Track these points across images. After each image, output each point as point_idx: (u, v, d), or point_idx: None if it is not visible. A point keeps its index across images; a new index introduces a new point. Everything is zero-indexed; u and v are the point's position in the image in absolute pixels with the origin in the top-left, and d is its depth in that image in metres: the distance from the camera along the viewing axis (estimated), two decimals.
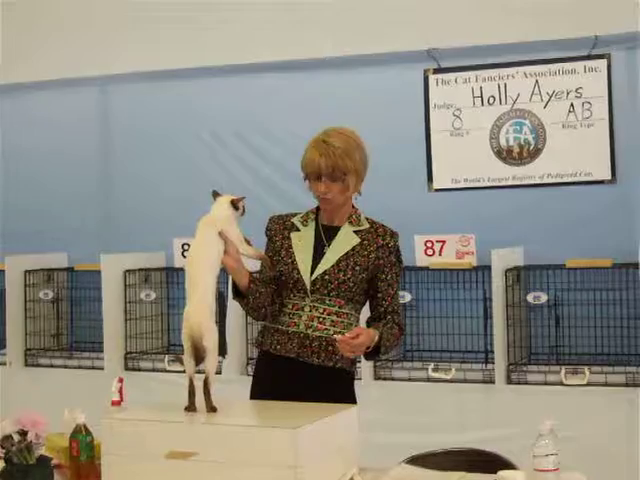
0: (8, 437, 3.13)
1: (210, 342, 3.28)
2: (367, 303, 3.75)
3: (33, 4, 6.76)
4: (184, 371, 3.32)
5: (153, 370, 6.12)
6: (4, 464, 3.14)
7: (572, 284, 5.49)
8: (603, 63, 5.58)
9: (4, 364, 6.46)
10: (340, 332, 3.59)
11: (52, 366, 6.43)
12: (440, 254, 5.67)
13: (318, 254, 3.65)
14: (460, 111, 5.90)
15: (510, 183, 5.80)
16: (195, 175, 6.39)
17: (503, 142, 5.82)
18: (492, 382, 5.37)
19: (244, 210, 3.57)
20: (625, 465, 4.94)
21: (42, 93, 6.85)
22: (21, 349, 6.49)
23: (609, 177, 5.59)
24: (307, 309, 3.62)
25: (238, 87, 6.34)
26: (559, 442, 2.95)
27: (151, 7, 6.40)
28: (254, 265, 3.76)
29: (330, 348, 3.59)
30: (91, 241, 6.59)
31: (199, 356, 3.27)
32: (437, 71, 5.92)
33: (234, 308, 5.55)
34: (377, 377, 5.58)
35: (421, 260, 5.70)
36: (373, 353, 3.63)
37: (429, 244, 5.69)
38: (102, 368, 6.14)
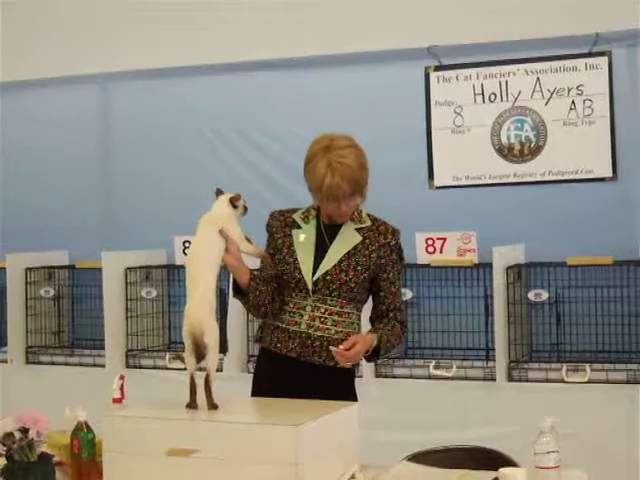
0: (9, 435, 3.13)
1: (211, 339, 3.29)
2: (369, 300, 3.75)
3: (33, 2, 6.76)
4: (185, 368, 3.32)
5: (154, 367, 6.12)
6: (5, 462, 3.14)
7: (573, 281, 5.49)
8: (604, 60, 5.58)
9: (5, 362, 6.46)
10: (342, 331, 3.60)
11: (53, 363, 6.44)
12: (441, 251, 5.67)
13: (319, 253, 3.64)
14: (461, 108, 5.89)
15: (511, 180, 5.80)
16: (196, 172, 6.40)
17: (504, 139, 5.82)
18: (493, 379, 5.37)
19: (246, 209, 3.57)
20: (626, 462, 4.94)
21: (42, 91, 6.85)
22: (22, 347, 6.49)
23: (610, 174, 5.59)
24: (309, 309, 3.62)
25: (238, 85, 6.34)
26: (560, 439, 2.95)
27: (151, 5, 6.40)
28: (254, 263, 3.76)
29: (332, 347, 3.58)
30: (92, 239, 6.59)
31: (200, 353, 3.28)
32: (438, 68, 5.92)
33: (235, 306, 5.55)
34: (378, 374, 5.58)
35: (422, 258, 5.70)
36: (373, 355, 3.63)
37: (430, 241, 5.69)
38: (103, 365, 6.14)
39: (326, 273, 3.60)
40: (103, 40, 6.55)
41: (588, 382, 5.20)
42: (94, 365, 6.27)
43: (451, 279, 5.76)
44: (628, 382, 5.15)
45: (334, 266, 3.60)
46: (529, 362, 5.47)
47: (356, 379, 3.75)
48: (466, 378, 5.46)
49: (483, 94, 5.85)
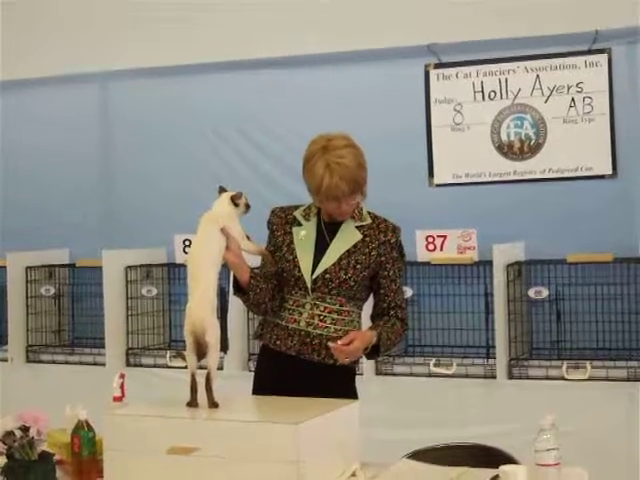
0: (10, 433, 3.14)
1: (212, 338, 3.29)
2: (370, 298, 3.75)
3: (33, 1, 6.76)
4: (186, 367, 3.32)
5: (155, 366, 6.12)
6: (6, 460, 3.14)
7: (573, 279, 5.49)
8: (604, 58, 5.58)
9: (6, 360, 6.46)
10: (341, 330, 3.60)
11: (54, 362, 6.44)
12: (441, 249, 5.68)
13: (319, 251, 3.64)
14: (461, 106, 5.90)
15: (511, 178, 5.80)
16: (196, 171, 6.40)
17: (504, 137, 5.82)
18: (493, 377, 5.37)
19: (248, 207, 3.57)
20: (626, 460, 4.94)
21: (43, 89, 6.85)
22: (23, 345, 6.49)
23: (610, 172, 5.59)
24: (308, 307, 3.62)
25: (239, 83, 6.34)
26: (560, 437, 2.96)
27: (151, 4, 6.40)
28: (255, 261, 3.76)
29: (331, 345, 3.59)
30: (92, 237, 6.60)
31: (201, 352, 3.28)
32: (438, 66, 5.92)
33: (235, 304, 5.55)
34: (378, 372, 5.59)
35: (422, 255, 5.70)
36: (373, 353, 3.63)
37: (430, 239, 5.69)
38: (104, 364, 6.15)
39: (325, 271, 3.60)
40: (103, 39, 6.55)
41: (588, 379, 5.20)
42: (94, 364, 6.27)
43: (451, 277, 5.77)
44: (628, 379, 5.16)
45: (333, 264, 3.61)
46: (529, 360, 5.47)
47: (356, 377, 3.75)
48: (466, 376, 5.46)
49: (483, 92, 5.86)
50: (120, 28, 6.53)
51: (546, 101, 5.73)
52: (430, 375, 5.52)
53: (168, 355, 6.06)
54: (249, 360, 5.82)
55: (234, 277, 3.64)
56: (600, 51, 5.58)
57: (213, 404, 3.20)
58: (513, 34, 5.66)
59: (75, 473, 3.32)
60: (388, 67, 5.97)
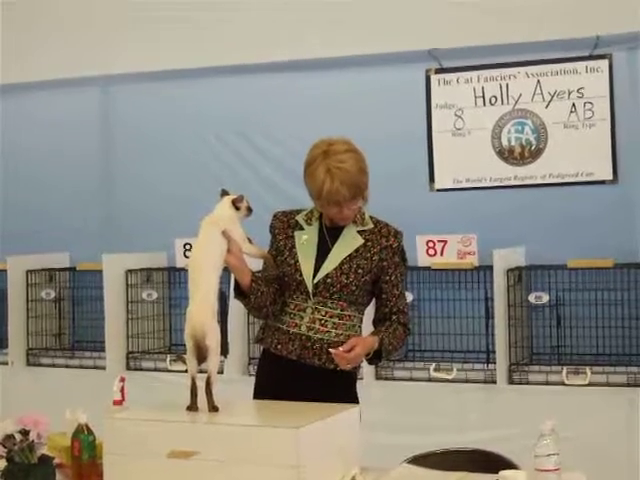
0: (10, 436, 3.14)
1: (213, 341, 3.29)
2: (372, 302, 3.75)
3: (33, 3, 6.76)
4: (186, 370, 3.32)
5: (155, 370, 6.12)
6: (6, 463, 3.15)
7: (574, 284, 5.49)
8: (605, 63, 5.59)
9: (6, 364, 6.46)
10: (342, 334, 3.60)
11: (54, 366, 6.43)
12: (442, 254, 5.68)
13: (321, 255, 3.64)
14: (462, 111, 5.90)
15: (512, 183, 5.81)
16: (197, 175, 6.40)
17: (505, 142, 5.82)
18: (494, 382, 5.37)
19: (250, 210, 3.57)
20: (626, 465, 4.94)
21: (43, 93, 6.85)
22: (23, 349, 6.49)
23: (611, 177, 5.60)
24: (309, 311, 3.62)
25: (240, 87, 6.34)
26: (560, 442, 2.96)
27: (152, 7, 6.41)
28: (257, 264, 3.76)
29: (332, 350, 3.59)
30: (93, 241, 6.59)
31: (201, 356, 3.28)
32: (439, 71, 5.92)
33: (236, 308, 5.56)
34: (378, 377, 5.59)
35: (423, 260, 5.70)
36: (375, 358, 3.63)
37: (431, 244, 5.69)
38: (104, 368, 6.15)
39: (327, 276, 3.60)
40: (104, 42, 6.56)
41: (588, 385, 5.20)
42: (95, 367, 6.27)
43: (452, 282, 5.76)
44: (628, 385, 5.16)
45: (335, 269, 3.60)
46: (529, 365, 5.47)
47: (357, 381, 3.75)
48: (466, 381, 5.46)
49: (484, 97, 5.86)
50: (121, 31, 6.54)
51: (547, 106, 5.73)
52: (430, 380, 5.52)
53: (168, 359, 6.05)
54: (249, 364, 5.82)
55: (235, 280, 3.64)
56: (601, 57, 5.58)
57: (213, 408, 3.21)
58: (514, 39, 5.66)
59: (75, 477, 3.31)
60: (389, 72, 5.97)
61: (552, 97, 5.72)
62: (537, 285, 5.57)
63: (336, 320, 3.61)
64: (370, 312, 3.77)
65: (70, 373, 6.33)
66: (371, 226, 3.68)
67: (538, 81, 5.74)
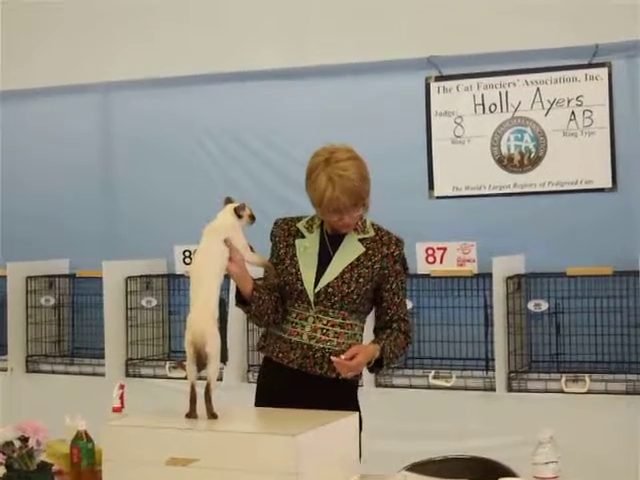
0: (9, 443, 3.14)
1: (213, 349, 3.29)
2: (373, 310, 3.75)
3: (32, 11, 6.77)
4: (185, 377, 3.32)
5: (154, 377, 6.12)
6: (5, 470, 3.15)
7: (573, 292, 5.49)
8: (604, 71, 5.59)
9: (5, 370, 6.46)
10: (344, 343, 3.59)
11: (53, 372, 6.44)
12: (441, 262, 5.68)
13: (322, 264, 3.63)
14: (461, 119, 5.91)
15: (511, 191, 5.81)
16: (196, 182, 6.41)
17: (504, 150, 5.83)
18: (493, 390, 5.37)
19: (253, 218, 3.57)
20: (624, 473, 4.93)
21: (43, 100, 6.86)
22: (22, 355, 6.49)
23: (610, 185, 5.60)
24: (310, 320, 3.61)
25: (239, 95, 6.35)
26: (559, 450, 2.96)
27: (153, 15, 6.43)
28: (259, 272, 3.76)
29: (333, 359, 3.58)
30: (93, 248, 6.59)
31: (201, 363, 3.28)
32: (438, 79, 5.93)
33: (235, 315, 5.56)
34: (378, 384, 5.58)
35: (422, 267, 5.70)
36: (376, 366, 3.63)
37: (430, 251, 5.70)
38: (103, 374, 6.14)
39: (328, 285, 3.59)
40: (104, 49, 6.57)
41: (587, 392, 5.20)
42: (94, 374, 6.27)
43: (451, 289, 5.77)
44: (627, 393, 5.16)
45: (336, 278, 3.60)
46: (529, 372, 5.47)
47: (358, 390, 3.74)
48: (466, 388, 5.47)
49: (483, 104, 5.87)
50: (120, 38, 6.55)
51: (546, 114, 5.74)
52: (429, 387, 5.52)
53: (167, 366, 6.06)
54: (248, 371, 5.82)
55: (237, 288, 3.63)
56: (600, 65, 5.59)
57: (212, 415, 3.21)
58: (514, 47, 5.67)
59: None
60: (389, 79, 5.97)
61: (551, 105, 5.73)
62: (536, 293, 5.57)
63: (338, 329, 3.60)
64: (370, 320, 3.76)
65: (69, 380, 6.33)
66: (372, 234, 3.67)
67: (537, 89, 5.75)
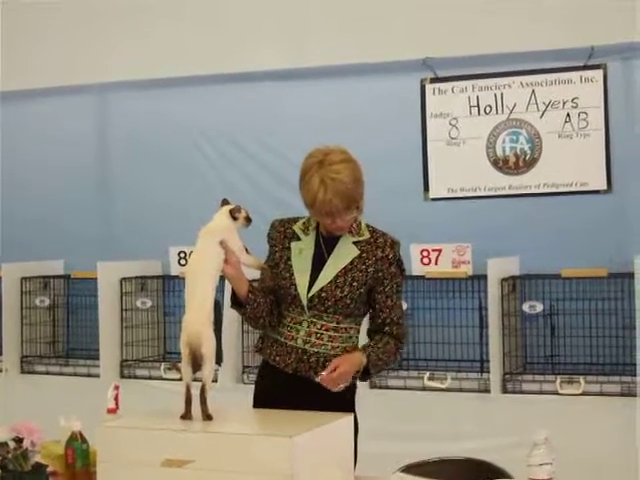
0: (4, 444, 3.14)
1: (208, 350, 3.30)
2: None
3: (29, 12, 6.76)
4: (180, 379, 3.33)
5: (149, 378, 6.12)
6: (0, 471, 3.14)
7: (567, 294, 5.49)
8: (599, 73, 5.60)
9: (0, 371, 6.45)
10: (338, 347, 3.59)
11: (48, 373, 6.43)
12: (436, 263, 5.68)
13: (317, 267, 3.61)
14: (456, 120, 5.91)
15: (506, 193, 5.81)
16: (192, 183, 6.41)
17: (499, 152, 5.83)
18: (487, 391, 5.37)
19: (249, 220, 3.56)
20: (620, 474, 4.94)
21: (40, 100, 6.85)
22: (17, 356, 6.48)
23: (605, 187, 5.61)
24: (305, 324, 3.60)
25: (236, 96, 6.34)
26: (554, 451, 2.96)
27: (150, 15, 6.42)
28: (253, 274, 3.76)
29: (328, 363, 3.56)
30: (88, 249, 6.58)
31: (196, 364, 3.29)
32: (434, 80, 5.93)
33: (230, 317, 5.55)
34: (373, 386, 5.58)
35: (417, 269, 5.70)
36: (365, 374, 3.62)
37: (425, 253, 5.70)
38: (98, 375, 6.14)
39: (321, 290, 3.57)
40: (100, 50, 6.57)
41: (582, 394, 5.20)
42: (89, 375, 6.26)
43: (446, 291, 5.77)
44: (622, 394, 5.16)
45: (329, 282, 3.58)
46: (523, 374, 5.47)
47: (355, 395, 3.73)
48: (460, 390, 5.47)
49: (478, 106, 5.87)
50: (117, 39, 6.55)
51: (541, 116, 5.74)
52: (424, 389, 5.52)
53: (162, 367, 6.05)
54: (243, 372, 5.82)
55: (232, 290, 3.63)
56: (596, 67, 5.60)
57: (207, 416, 3.21)
58: (509, 49, 5.67)
59: None
60: (384, 81, 5.97)
61: (547, 107, 5.73)
62: (531, 294, 5.58)
63: (332, 333, 3.59)
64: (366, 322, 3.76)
65: (64, 381, 6.32)
66: (367, 236, 3.64)
67: (533, 91, 5.75)
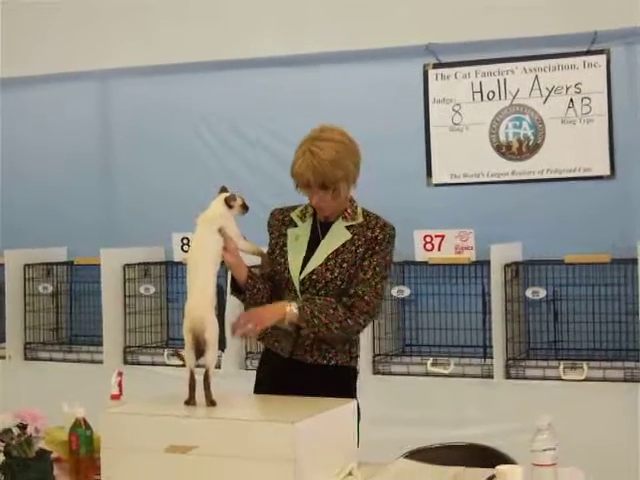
0: (8, 431, 3.14)
1: (211, 335, 3.30)
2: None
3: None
4: (184, 365, 3.33)
5: (152, 364, 6.13)
6: (3, 458, 3.15)
7: (571, 279, 5.50)
8: (602, 58, 5.59)
9: (3, 358, 6.46)
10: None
11: (51, 360, 6.44)
12: (439, 249, 5.68)
13: (310, 252, 3.63)
14: (459, 106, 5.90)
15: (509, 178, 5.81)
16: (194, 170, 6.40)
17: (502, 137, 5.82)
18: (491, 377, 5.38)
19: (245, 208, 3.57)
20: (623, 460, 4.94)
21: (41, 87, 6.85)
22: (21, 343, 6.49)
23: (608, 173, 5.60)
24: None
25: (238, 82, 6.34)
26: (557, 437, 2.96)
27: (152, 2, 6.41)
28: (251, 261, 3.76)
29: (323, 346, 3.58)
30: (91, 235, 6.59)
31: (200, 349, 3.29)
32: (437, 66, 5.92)
33: (233, 303, 5.54)
34: (376, 371, 5.59)
35: (420, 255, 5.70)
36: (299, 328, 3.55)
37: (428, 239, 5.69)
38: (101, 362, 6.15)
39: (312, 272, 3.58)
40: (101, 36, 6.56)
41: (585, 380, 5.21)
42: (92, 361, 6.27)
43: (449, 276, 5.77)
44: (625, 380, 5.17)
45: (320, 265, 3.58)
46: (526, 360, 5.48)
47: (356, 379, 3.73)
48: (463, 375, 5.47)
49: (481, 92, 5.86)
50: (118, 25, 6.54)
51: (544, 102, 5.73)
52: (427, 375, 5.52)
53: (166, 353, 6.06)
54: (246, 358, 5.82)
55: (232, 277, 3.64)
56: (599, 52, 5.59)
57: (211, 402, 3.21)
58: (512, 35, 5.66)
59: (72, 471, 3.32)
60: (387, 67, 5.97)
61: (550, 92, 5.72)
62: (534, 280, 5.58)
63: None
64: None
65: (67, 367, 6.33)
66: (360, 220, 3.63)
67: (536, 76, 5.74)
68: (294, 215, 3.72)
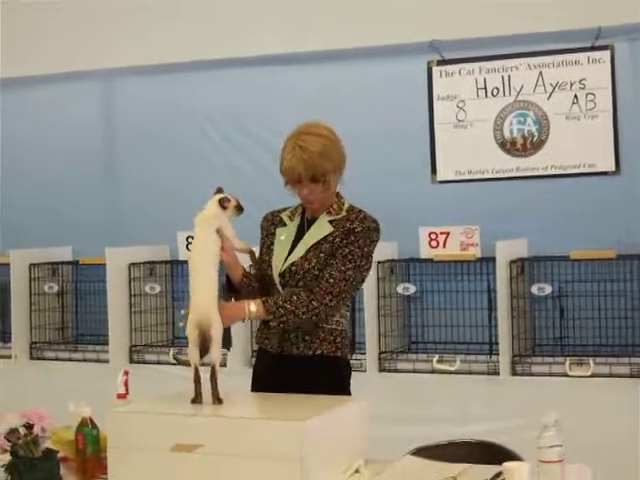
0: (14, 430, 3.14)
1: (217, 331, 3.35)
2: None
3: None
4: (189, 365, 3.34)
5: (158, 363, 6.13)
6: (10, 457, 3.15)
7: (576, 275, 5.49)
8: (607, 54, 5.58)
9: (9, 357, 6.46)
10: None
11: (57, 359, 6.44)
12: (444, 246, 5.68)
13: (294, 247, 3.70)
14: (464, 103, 5.89)
15: (514, 175, 5.80)
16: (198, 168, 6.40)
17: (507, 134, 5.82)
18: (497, 374, 5.37)
19: (240, 209, 3.61)
20: (630, 456, 4.94)
21: (45, 87, 6.85)
22: (26, 342, 6.50)
23: (613, 169, 5.59)
24: None
25: (241, 80, 6.34)
26: (563, 433, 2.96)
27: (154, 0, 6.41)
28: (246, 261, 3.80)
29: (307, 338, 3.63)
30: (96, 234, 6.59)
31: (205, 346, 3.31)
32: (440, 63, 5.92)
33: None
34: (381, 369, 5.59)
35: (425, 252, 5.70)
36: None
37: (433, 236, 5.69)
38: (107, 361, 6.15)
39: (292, 264, 3.64)
40: (104, 35, 6.55)
41: (591, 376, 5.20)
42: (98, 361, 6.27)
43: (454, 273, 5.76)
44: (631, 376, 5.16)
45: (300, 257, 3.64)
46: (532, 356, 5.48)
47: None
48: (469, 372, 5.47)
49: (486, 88, 5.85)
50: (121, 24, 6.53)
51: (549, 98, 5.73)
52: (433, 371, 5.52)
53: (171, 352, 6.06)
54: (252, 357, 5.81)
55: (227, 277, 3.71)
56: (603, 47, 5.58)
57: (217, 399, 3.22)
58: (516, 31, 5.65)
59: (79, 470, 3.32)
60: (391, 64, 5.96)
61: (554, 88, 5.71)
62: (540, 276, 5.57)
63: None
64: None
65: (73, 367, 6.33)
66: (343, 214, 3.68)
67: (540, 72, 5.73)
68: (284, 215, 3.80)
